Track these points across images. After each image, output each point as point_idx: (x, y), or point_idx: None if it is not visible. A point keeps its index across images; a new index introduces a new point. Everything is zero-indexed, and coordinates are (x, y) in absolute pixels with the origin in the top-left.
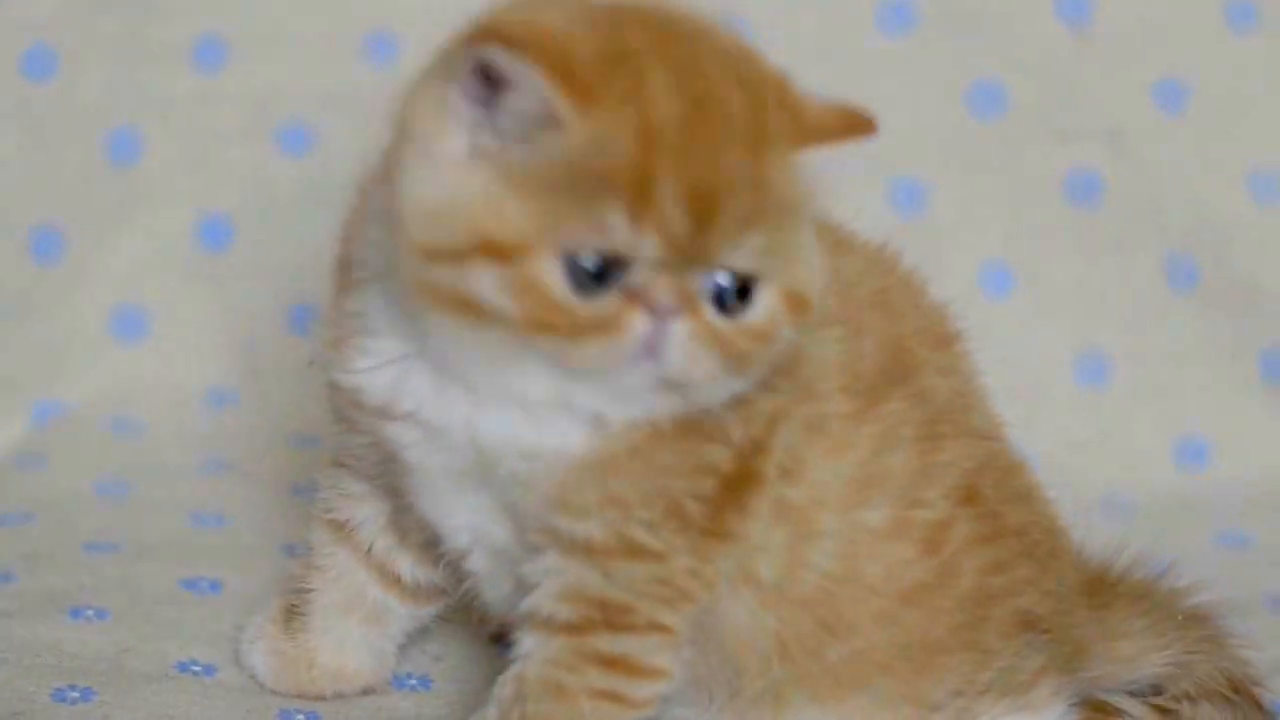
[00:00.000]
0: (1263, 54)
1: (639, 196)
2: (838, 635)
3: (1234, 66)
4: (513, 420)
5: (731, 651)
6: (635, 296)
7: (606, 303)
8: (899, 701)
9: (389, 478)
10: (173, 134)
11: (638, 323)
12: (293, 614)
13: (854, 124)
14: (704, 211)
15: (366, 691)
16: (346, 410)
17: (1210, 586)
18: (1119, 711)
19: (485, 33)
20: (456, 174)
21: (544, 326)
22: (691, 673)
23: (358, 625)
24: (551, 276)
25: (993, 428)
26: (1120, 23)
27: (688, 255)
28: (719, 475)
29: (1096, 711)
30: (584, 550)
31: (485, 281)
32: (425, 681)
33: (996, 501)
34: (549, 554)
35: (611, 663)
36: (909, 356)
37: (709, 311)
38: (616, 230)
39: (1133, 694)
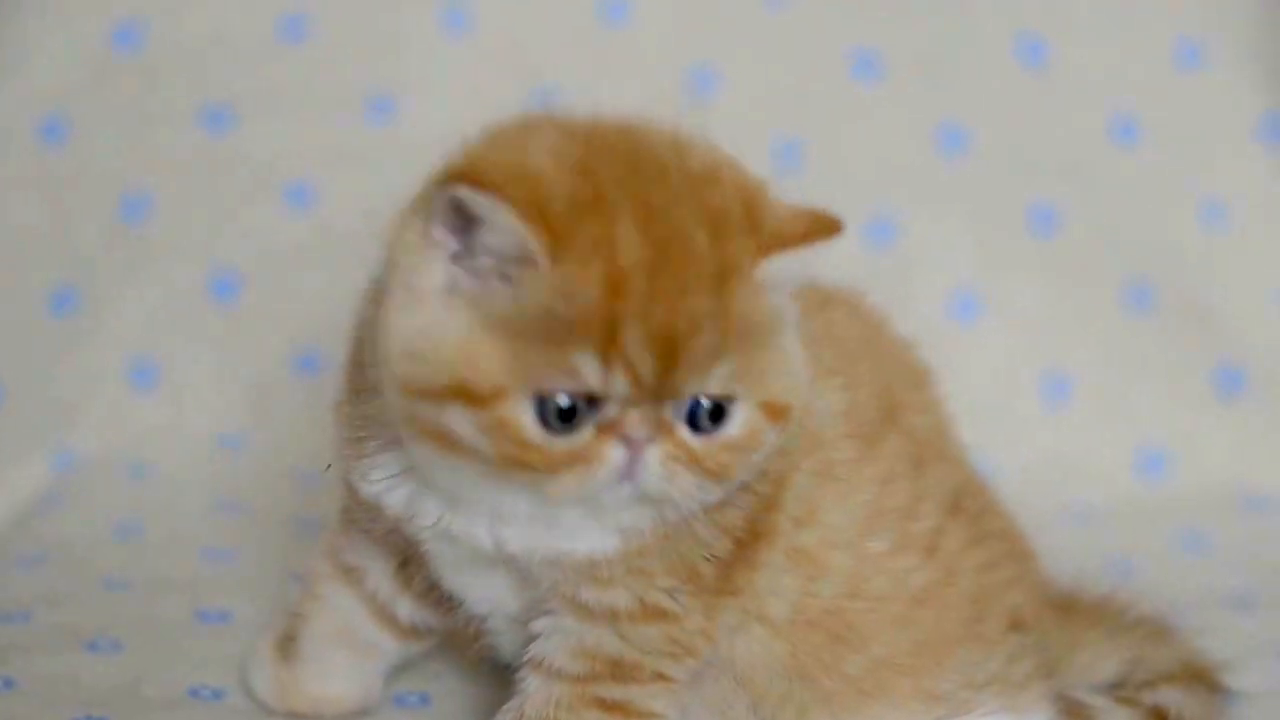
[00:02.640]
0: (1207, 91)
1: (608, 342)
2: (854, 647)
3: (1182, 104)
4: (538, 533)
5: (745, 679)
6: (609, 428)
7: (580, 438)
8: (912, 699)
9: (409, 549)
10: (183, 194)
11: (613, 454)
12: (289, 639)
13: (818, 227)
14: (670, 353)
15: (358, 713)
16: (367, 509)
17: (1166, 586)
18: (1084, 705)
19: (458, 174)
20: (435, 314)
21: (520, 464)
22: (703, 700)
23: (345, 656)
24: (525, 418)
25: (961, 454)
26: (1075, 65)
27: (657, 392)
28: (733, 536)
29: (1064, 705)
30: (607, 617)
31: (462, 422)
32: (425, 698)
33: (976, 511)
34: (564, 617)
35: (611, 707)
36: (895, 399)
37: (683, 432)
38: (588, 375)
39: (1095, 690)
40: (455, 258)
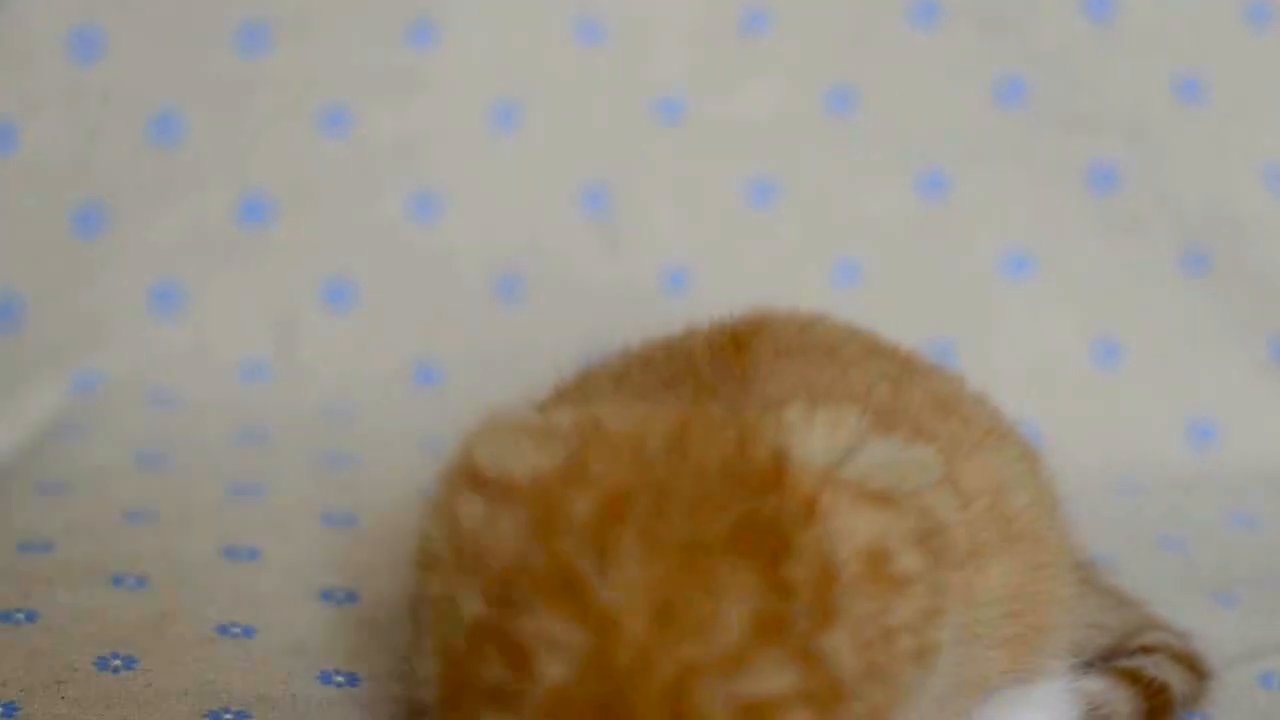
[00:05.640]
0: (1278, 53)
1: None
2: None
3: (1251, 63)
4: None
5: None
6: None
7: None
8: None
9: None
10: (215, 115)
11: None
12: None
13: None
14: None
15: None
16: None
17: (1211, 561)
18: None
19: None
20: None
21: None
22: None
23: None
24: None
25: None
26: (1142, 18)
27: None
28: None
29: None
30: None
31: None
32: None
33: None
34: None
35: None
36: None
37: None
38: None
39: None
40: None
